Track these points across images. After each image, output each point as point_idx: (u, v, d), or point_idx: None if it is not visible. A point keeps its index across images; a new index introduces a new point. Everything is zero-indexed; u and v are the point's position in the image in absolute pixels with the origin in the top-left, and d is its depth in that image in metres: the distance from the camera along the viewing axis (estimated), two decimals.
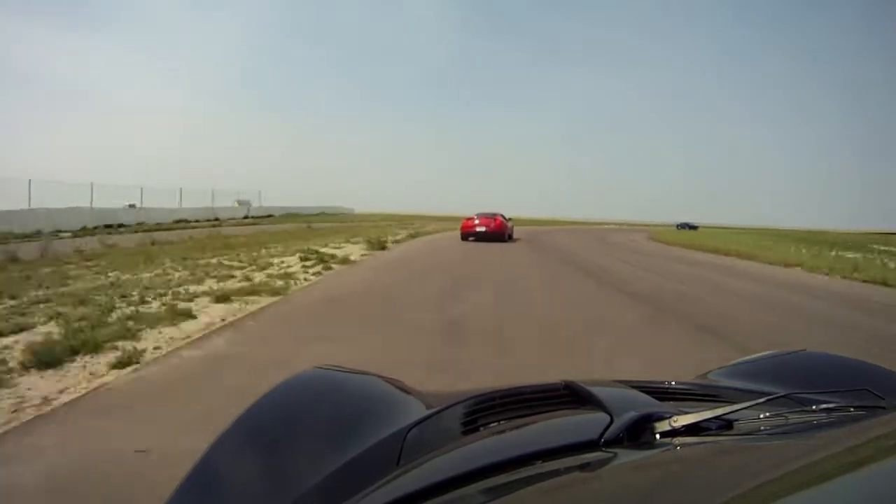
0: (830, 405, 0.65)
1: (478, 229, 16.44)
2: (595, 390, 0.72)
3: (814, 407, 0.65)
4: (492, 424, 0.73)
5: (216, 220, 26.51)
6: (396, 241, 15.91)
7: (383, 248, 12.98)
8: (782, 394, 0.72)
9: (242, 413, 0.77)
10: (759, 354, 1.17)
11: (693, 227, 54.83)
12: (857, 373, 1.00)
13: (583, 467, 0.54)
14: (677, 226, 60.04)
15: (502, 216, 17.48)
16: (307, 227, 21.48)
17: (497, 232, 16.40)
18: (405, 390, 0.89)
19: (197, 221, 24.91)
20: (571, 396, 0.78)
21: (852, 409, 0.66)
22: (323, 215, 42.22)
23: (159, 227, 20.21)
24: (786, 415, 0.62)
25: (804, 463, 0.47)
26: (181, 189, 27.80)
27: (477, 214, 17.35)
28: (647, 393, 0.73)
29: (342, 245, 13.19)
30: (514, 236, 18.71)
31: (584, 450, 0.57)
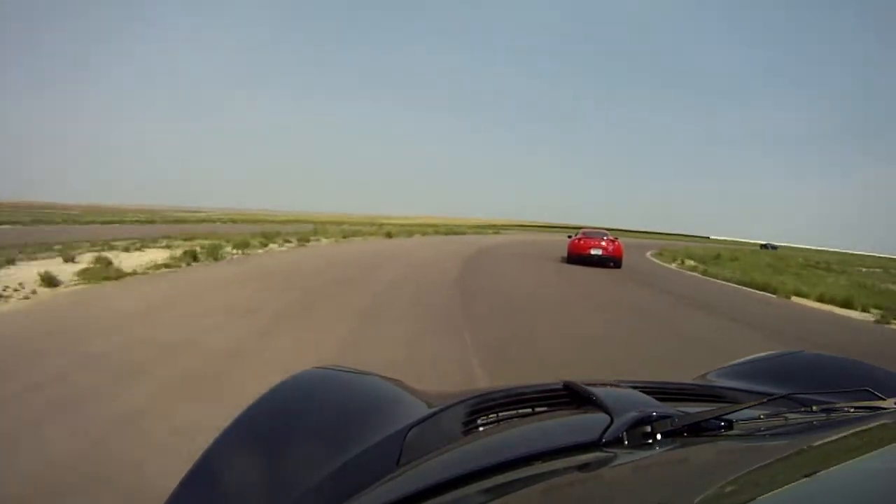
0: (830, 405, 0.65)
1: (593, 252, 13.45)
2: (595, 390, 0.72)
3: (814, 407, 0.65)
4: (492, 424, 0.73)
5: None
6: None
7: None
8: (782, 394, 0.72)
9: (242, 413, 0.77)
10: (759, 355, 1.17)
11: (774, 248, 58.38)
12: (857, 373, 1.00)
13: (583, 467, 0.54)
14: (761, 246, 64.36)
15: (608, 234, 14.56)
16: None
17: (614, 257, 13.51)
18: (405, 390, 0.89)
19: None
20: (571, 397, 0.78)
21: (852, 409, 0.66)
22: None
23: None
24: (786, 415, 0.62)
25: (804, 463, 0.47)
26: None
27: (585, 233, 14.41)
28: (647, 393, 0.74)
29: None
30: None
31: (584, 450, 0.57)
